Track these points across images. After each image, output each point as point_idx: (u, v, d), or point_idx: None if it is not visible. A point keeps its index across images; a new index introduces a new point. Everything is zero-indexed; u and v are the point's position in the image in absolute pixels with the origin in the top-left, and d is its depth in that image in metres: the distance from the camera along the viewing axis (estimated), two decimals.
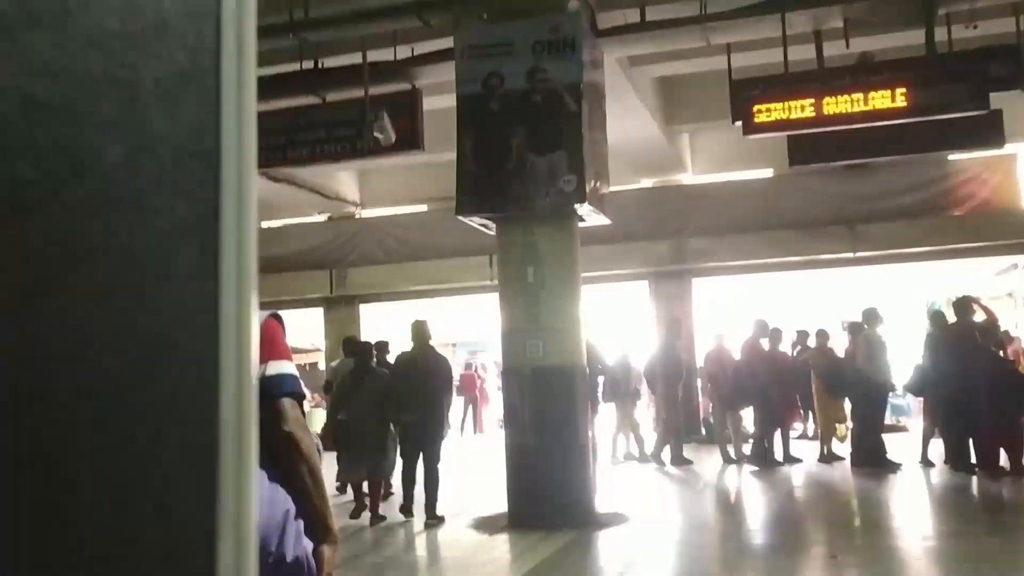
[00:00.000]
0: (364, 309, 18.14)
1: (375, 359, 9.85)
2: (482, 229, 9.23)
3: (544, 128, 8.53)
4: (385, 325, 15.93)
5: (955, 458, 10.85)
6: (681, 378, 13.33)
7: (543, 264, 8.68)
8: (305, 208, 18.26)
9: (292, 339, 2.61)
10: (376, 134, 9.88)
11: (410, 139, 10.12)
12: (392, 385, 9.11)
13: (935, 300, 22.32)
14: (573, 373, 8.68)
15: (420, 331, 9.36)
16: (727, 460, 12.70)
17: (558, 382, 8.60)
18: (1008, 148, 13.43)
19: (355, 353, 9.65)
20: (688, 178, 17.14)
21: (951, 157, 16.06)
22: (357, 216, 18.71)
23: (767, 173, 16.90)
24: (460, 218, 8.93)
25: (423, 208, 18.06)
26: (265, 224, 19.30)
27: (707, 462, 13.04)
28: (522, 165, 8.57)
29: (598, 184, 9.03)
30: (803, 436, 15.39)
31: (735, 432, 12.84)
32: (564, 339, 8.68)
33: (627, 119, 13.36)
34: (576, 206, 8.56)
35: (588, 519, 8.43)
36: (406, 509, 9.11)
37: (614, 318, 17.34)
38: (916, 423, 15.06)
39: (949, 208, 15.63)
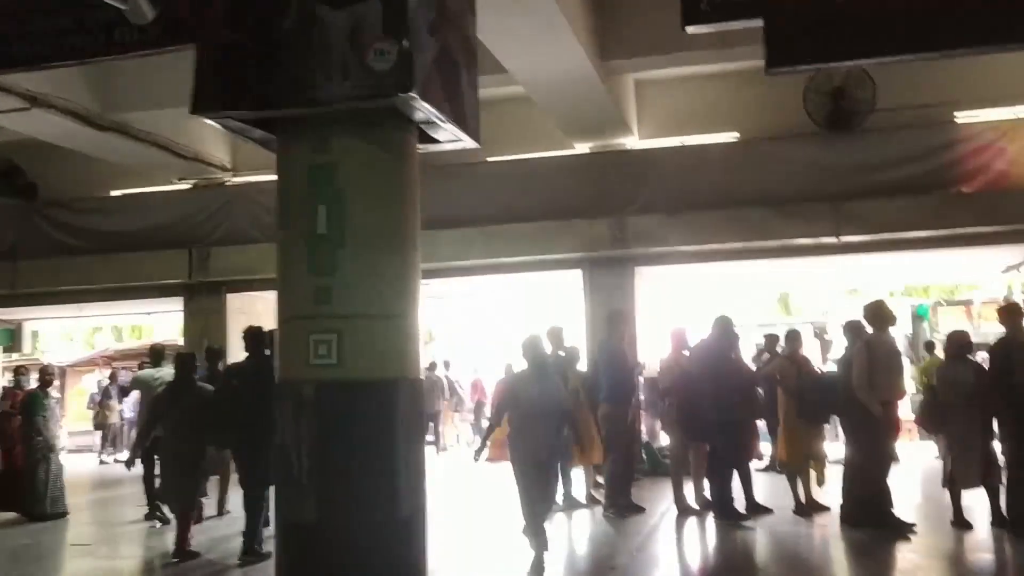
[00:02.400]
0: (232, 299, 14.18)
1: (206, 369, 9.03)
2: (251, 142, 5.39)
3: None
4: (259, 318, 12.05)
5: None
6: (634, 390, 9.59)
7: (345, 203, 4.86)
8: (161, 173, 14.29)
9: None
10: (119, 4, 6.02)
11: (177, 23, 6.18)
12: (214, 401, 7.91)
13: (923, 302, 18.80)
14: (394, 393, 4.87)
15: (254, 336, 7.89)
16: (684, 509, 8.92)
17: (366, 409, 4.79)
18: None
19: (179, 362, 8.26)
20: (633, 142, 13.37)
21: (960, 120, 12.47)
22: (226, 183, 14.74)
23: (731, 137, 13.18)
24: (208, 122, 5.07)
25: None
26: (112, 192, 15.33)
27: (657, 507, 9.31)
28: (306, 25, 4.75)
29: (454, 70, 5.20)
30: (769, 468, 11.70)
31: (697, 469, 9.08)
32: (381, 335, 4.86)
33: (550, 47, 9.61)
34: (401, 98, 4.72)
35: None
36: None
37: (537, 314, 13.63)
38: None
39: (956, 183, 11.98)
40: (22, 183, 14.90)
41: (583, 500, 9.75)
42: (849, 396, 7.84)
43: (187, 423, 7.79)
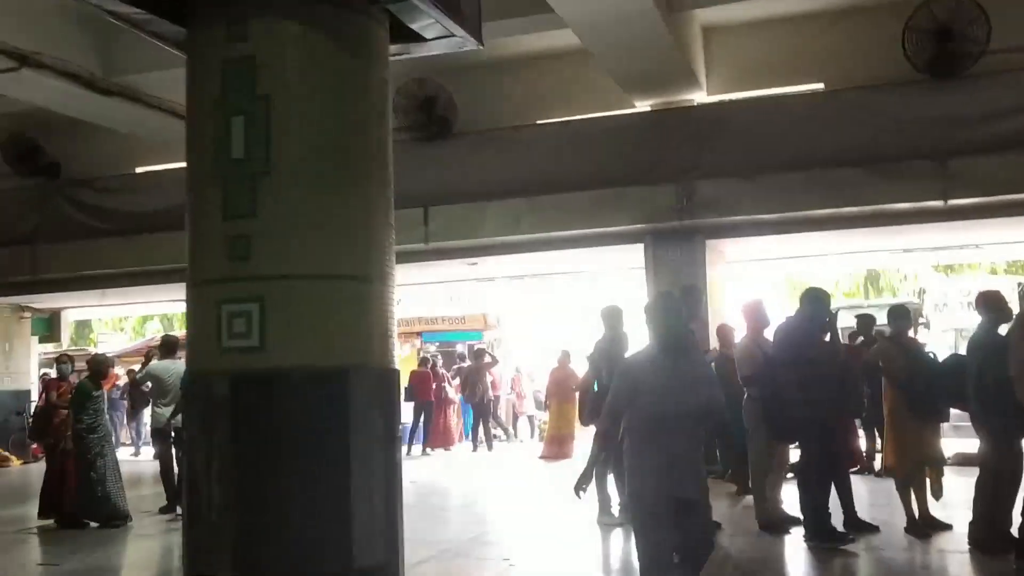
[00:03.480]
0: None
1: None
2: (155, 40, 3.86)
3: None
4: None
5: None
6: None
7: (271, 114, 3.31)
8: None
9: None
10: None
11: None
12: None
13: None
14: (346, 389, 3.30)
15: None
16: (768, 525, 7.17)
17: (304, 413, 3.24)
18: None
19: None
20: (701, 97, 11.58)
21: None
22: None
23: (815, 87, 11.28)
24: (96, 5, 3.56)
25: None
26: (138, 169, 14.17)
27: (734, 521, 7.58)
28: None
29: None
30: (862, 470, 9.90)
31: (776, 477, 7.34)
32: (325, 305, 3.31)
33: None
34: None
35: None
36: None
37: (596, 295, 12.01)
38: None
39: None
40: (43, 162, 13.80)
41: None
42: (982, 385, 6.02)
43: None
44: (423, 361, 15.86)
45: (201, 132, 3.45)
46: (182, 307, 20.99)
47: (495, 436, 15.92)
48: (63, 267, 13.56)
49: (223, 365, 3.27)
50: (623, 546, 7.20)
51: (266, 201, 3.27)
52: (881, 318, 12.05)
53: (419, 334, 18.26)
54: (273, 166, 3.28)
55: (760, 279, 14.35)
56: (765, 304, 7.53)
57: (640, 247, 11.67)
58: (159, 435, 9.09)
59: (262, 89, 3.31)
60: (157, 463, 9.30)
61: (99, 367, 8.91)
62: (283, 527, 3.18)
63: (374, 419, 3.39)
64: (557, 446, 13.32)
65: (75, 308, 17.93)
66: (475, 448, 15.06)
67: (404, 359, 17.45)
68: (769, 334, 7.20)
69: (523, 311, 19.97)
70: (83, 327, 23.79)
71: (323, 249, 3.32)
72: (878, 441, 10.43)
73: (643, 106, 11.67)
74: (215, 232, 3.33)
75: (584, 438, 12.01)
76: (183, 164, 3.54)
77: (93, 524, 8.42)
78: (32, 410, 14.35)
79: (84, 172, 13.87)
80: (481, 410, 15.15)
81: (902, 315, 7.61)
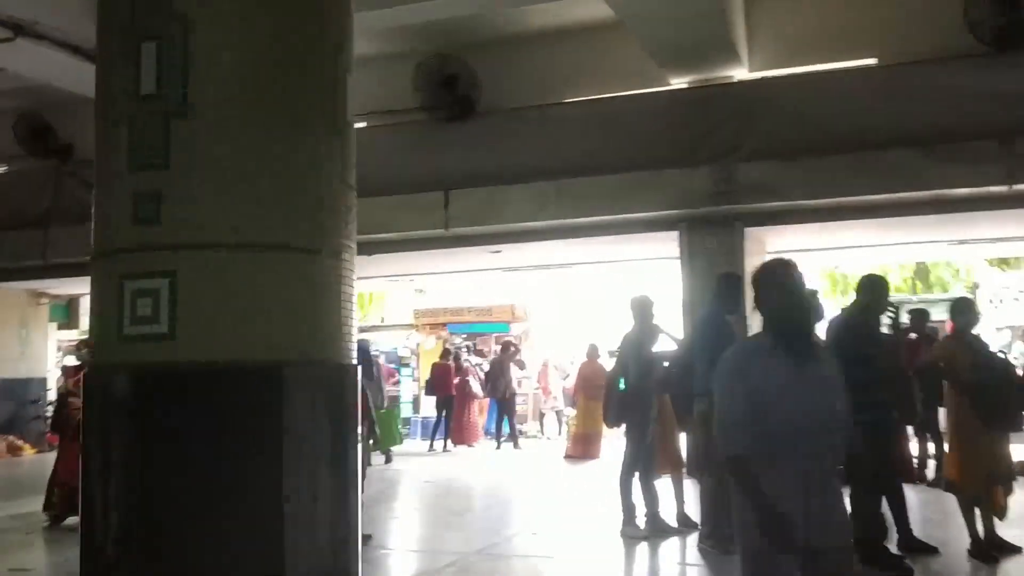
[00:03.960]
0: None
1: None
2: None
3: None
4: None
5: None
6: None
7: (191, 39, 2.58)
8: None
9: None
10: None
11: None
12: None
13: None
14: (280, 391, 2.57)
15: None
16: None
17: (226, 420, 2.51)
18: None
19: None
20: (742, 73, 10.70)
21: None
22: None
23: (867, 62, 10.34)
24: None
25: None
26: None
27: None
28: None
29: None
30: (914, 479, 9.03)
31: None
32: (256, 282, 2.58)
33: None
34: None
35: None
36: None
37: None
38: None
39: None
40: (55, 143, 13.29)
41: (673, 523, 7.28)
42: None
43: None
44: (444, 353, 15.14)
45: (108, 65, 2.73)
46: None
47: (520, 432, 15.18)
48: (77, 251, 13.02)
49: (123, 357, 2.56)
50: (649, 564, 6.44)
51: (181, 149, 2.55)
52: (934, 314, 11.15)
53: (444, 325, 17.55)
54: (191, 105, 2.56)
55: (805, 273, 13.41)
56: (819, 294, 6.68)
57: (674, 235, 10.83)
58: None
59: (180, 6, 2.58)
60: None
61: None
62: (196, 567, 2.46)
63: (319, 427, 2.66)
64: (583, 445, 12.55)
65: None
66: (499, 445, 14.33)
67: (428, 352, 16.80)
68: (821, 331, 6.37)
69: (552, 302, 19.15)
70: None
71: (255, 212, 2.60)
72: (930, 447, 9.57)
73: (679, 83, 10.81)
74: (120, 189, 2.62)
75: (613, 438, 11.21)
76: None
77: None
78: (49, 398, 13.95)
79: None
80: (504, 406, 14.41)
81: (967, 309, 6.72)
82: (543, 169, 10.64)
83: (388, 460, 12.22)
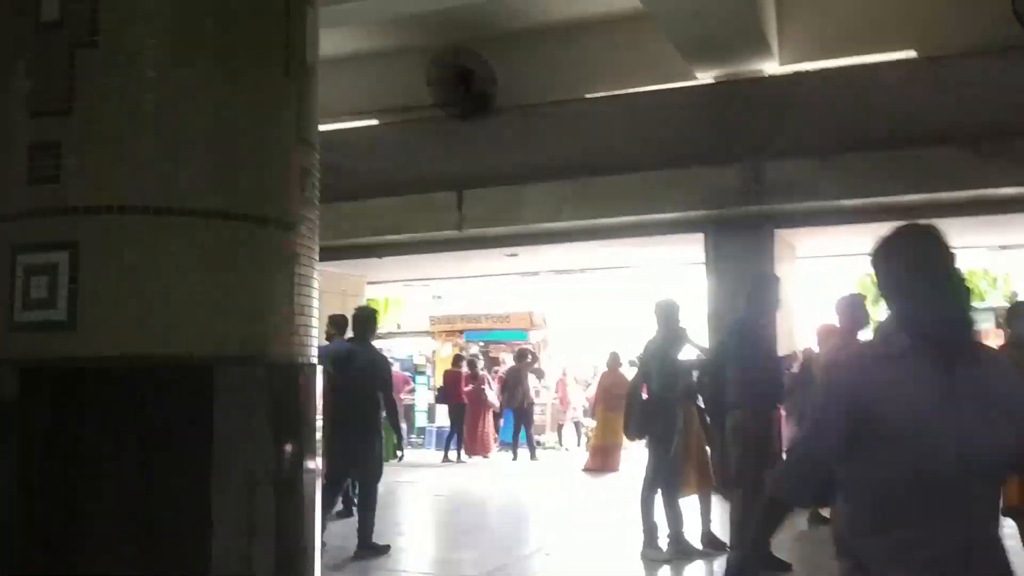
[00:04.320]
0: None
1: None
2: None
3: None
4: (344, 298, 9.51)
5: None
6: (780, 391, 6.33)
7: None
8: None
9: None
10: None
11: None
12: None
13: None
14: (209, 396, 2.03)
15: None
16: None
17: (142, 427, 1.97)
18: None
19: None
20: (772, 67, 10.10)
21: None
22: None
23: (906, 55, 9.72)
24: None
25: None
26: None
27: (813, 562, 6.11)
28: None
29: None
30: None
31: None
32: (187, 259, 2.04)
33: None
34: None
35: None
36: None
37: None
38: None
39: None
40: None
41: (698, 544, 6.68)
42: None
43: None
44: (456, 360, 14.57)
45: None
46: None
47: (538, 443, 14.59)
48: None
49: (13, 349, 2.03)
50: None
51: (88, 88, 2.02)
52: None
53: (461, 332, 17.00)
54: (102, 32, 2.02)
55: (835, 279, 12.76)
56: (863, 303, 6.05)
57: (699, 237, 10.27)
58: None
59: None
60: None
61: None
62: None
63: (260, 442, 2.11)
64: (602, 458, 11.94)
65: None
66: (515, 457, 13.74)
67: (443, 359, 16.26)
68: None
69: (571, 309, 18.52)
70: None
71: (181, 170, 2.05)
72: None
73: (706, 77, 10.24)
74: (15, 138, 2.09)
75: (635, 450, 10.60)
76: None
77: None
78: None
79: None
80: (521, 416, 13.82)
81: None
82: (562, 168, 10.11)
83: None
